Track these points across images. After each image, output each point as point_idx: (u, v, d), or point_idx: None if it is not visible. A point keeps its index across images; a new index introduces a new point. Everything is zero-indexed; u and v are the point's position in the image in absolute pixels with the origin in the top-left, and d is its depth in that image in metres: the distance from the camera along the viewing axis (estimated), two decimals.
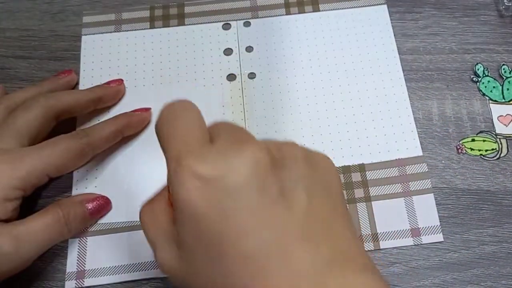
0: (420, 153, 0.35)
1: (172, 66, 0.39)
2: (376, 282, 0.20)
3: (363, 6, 0.41)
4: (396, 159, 0.35)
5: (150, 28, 0.41)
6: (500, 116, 0.37)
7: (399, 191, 0.34)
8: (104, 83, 0.37)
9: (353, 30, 0.40)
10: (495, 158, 0.36)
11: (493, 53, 0.39)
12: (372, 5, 0.41)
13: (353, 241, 0.22)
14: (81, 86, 0.38)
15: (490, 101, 0.37)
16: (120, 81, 0.37)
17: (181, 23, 0.41)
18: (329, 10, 0.41)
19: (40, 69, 0.40)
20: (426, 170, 0.35)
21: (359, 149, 0.36)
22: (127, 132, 0.35)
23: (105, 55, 0.40)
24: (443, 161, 0.35)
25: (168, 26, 0.41)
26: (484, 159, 0.36)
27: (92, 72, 0.39)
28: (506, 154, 0.36)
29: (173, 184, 0.20)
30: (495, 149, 0.36)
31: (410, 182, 0.35)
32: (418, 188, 0.34)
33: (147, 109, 0.36)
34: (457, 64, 0.39)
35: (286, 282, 0.19)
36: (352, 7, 0.41)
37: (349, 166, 0.35)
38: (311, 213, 0.20)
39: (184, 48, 0.40)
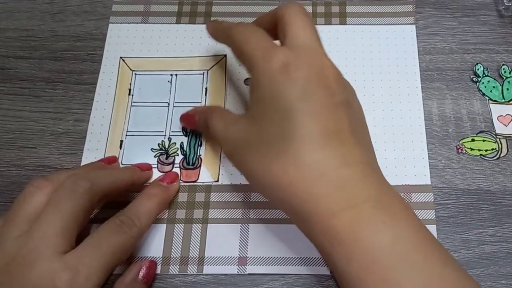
0: (428, 182, 0.35)
1: None
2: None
3: (391, 24, 0.40)
4: (402, 185, 0.35)
5: (176, 23, 0.41)
6: (500, 116, 0.37)
7: None
8: (136, 165, 0.35)
9: (377, 48, 0.39)
10: (495, 158, 0.36)
11: (493, 53, 0.39)
12: (401, 24, 0.40)
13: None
14: (101, 73, 0.39)
15: (490, 101, 0.38)
16: (150, 166, 0.36)
17: (207, 21, 0.41)
18: (356, 24, 0.40)
19: (40, 69, 0.40)
20: (432, 200, 0.34)
21: None
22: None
23: (129, 45, 0.40)
24: (443, 161, 0.36)
25: (194, 23, 0.41)
26: (484, 159, 0.36)
27: (114, 60, 0.40)
28: (506, 154, 0.36)
29: (261, 68, 0.27)
30: (495, 149, 0.36)
31: (414, 211, 0.34)
32: (421, 218, 0.33)
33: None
34: (457, 64, 0.39)
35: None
36: (379, 24, 0.40)
37: None
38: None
39: (206, 47, 0.40)
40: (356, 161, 0.26)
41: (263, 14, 0.32)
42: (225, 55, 0.39)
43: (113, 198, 0.33)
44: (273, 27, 0.30)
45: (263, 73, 0.27)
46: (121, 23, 0.41)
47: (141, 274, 0.31)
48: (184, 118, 0.36)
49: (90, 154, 0.36)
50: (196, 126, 0.36)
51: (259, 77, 0.27)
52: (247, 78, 0.39)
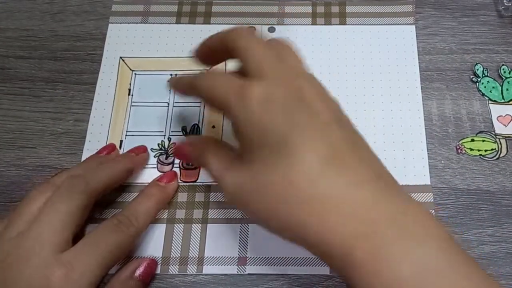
0: (428, 182, 0.35)
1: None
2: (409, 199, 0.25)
3: (391, 24, 0.40)
4: (402, 185, 0.34)
5: (176, 23, 0.41)
6: (500, 116, 0.37)
7: None
8: (131, 150, 0.36)
9: (376, 48, 0.39)
10: (494, 158, 0.36)
11: (493, 53, 0.39)
12: (400, 24, 0.40)
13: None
14: (101, 73, 0.39)
15: (490, 101, 0.38)
16: (145, 148, 0.36)
17: (206, 21, 0.41)
18: (355, 24, 0.41)
19: (40, 69, 0.40)
20: (432, 200, 0.34)
21: None
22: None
23: (128, 45, 0.40)
24: (442, 161, 0.36)
25: (194, 23, 0.41)
26: (484, 159, 0.36)
27: (114, 60, 0.40)
28: (506, 154, 0.36)
29: (238, 109, 0.25)
30: (495, 149, 0.36)
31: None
32: None
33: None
34: (456, 65, 0.39)
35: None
36: (379, 24, 0.40)
37: None
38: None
39: None
40: (363, 181, 0.24)
41: (210, 36, 0.30)
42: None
43: (113, 188, 0.33)
44: (223, 51, 0.29)
45: (242, 114, 0.25)
46: (121, 23, 0.41)
47: (137, 272, 0.31)
48: (177, 150, 0.32)
49: (90, 154, 0.36)
50: (189, 160, 0.35)
51: (239, 119, 0.25)
52: None
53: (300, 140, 0.24)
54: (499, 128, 0.36)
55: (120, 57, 0.40)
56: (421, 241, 0.23)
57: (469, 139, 0.36)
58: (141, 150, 0.36)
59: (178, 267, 0.32)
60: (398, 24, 0.40)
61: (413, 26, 0.40)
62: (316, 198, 0.23)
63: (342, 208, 0.23)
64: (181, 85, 0.32)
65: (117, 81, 0.39)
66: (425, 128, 0.36)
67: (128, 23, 0.41)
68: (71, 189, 0.30)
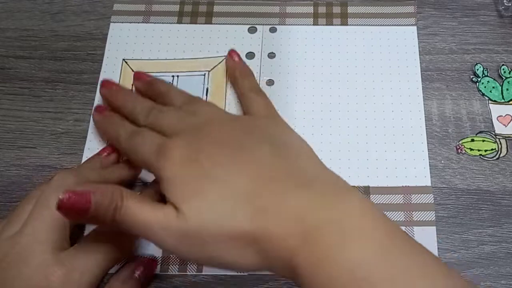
0: (429, 183, 0.35)
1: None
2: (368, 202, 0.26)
3: (392, 25, 0.40)
4: (402, 186, 0.34)
5: (178, 23, 0.41)
6: (500, 116, 0.37)
7: (401, 219, 0.33)
8: (125, 161, 0.35)
9: (378, 49, 0.39)
10: (494, 158, 0.36)
11: (493, 53, 0.39)
12: (402, 25, 0.40)
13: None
14: (103, 73, 0.39)
15: (490, 101, 0.38)
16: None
17: (208, 21, 0.41)
18: (357, 25, 0.40)
19: (40, 69, 0.40)
20: (432, 201, 0.34)
21: (367, 170, 0.35)
22: None
23: (130, 45, 0.40)
24: (442, 161, 0.36)
25: (196, 23, 0.41)
26: (484, 159, 0.36)
27: (116, 60, 0.40)
28: (506, 154, 0.36)
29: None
30: (495, 149, 0.36)
31: (413, 212, 0.34)
32: (421, 219, 0.33)
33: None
34: (456, 65, 0.39)
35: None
36: (380, 25, 0.40)
37: (354, 187, 0.34)
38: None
39: (207, 47, 0.40)
40: (296, 187, 0.25)
41: None
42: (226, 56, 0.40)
43: None
44: None
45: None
46: (122, 22, 0.41)
47: (137, 272, 0.31)
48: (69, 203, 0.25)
49: (91, 154, 0.36)
50: (89, 213, 0.25)
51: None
52: None
53: (217, 191, 0.26)
54: (499, 128, 0.36)
55: (123, 59, 0.40)
56: (356, 244, 0.23)
57: (469, 139, 0.36)
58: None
59: (178, 267, 0.32)
60: (399, 25, 0.40)
61: (415, 27, 0.40)
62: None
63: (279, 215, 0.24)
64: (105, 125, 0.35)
65: (119, 82, 0.39)
66: (425, 128, 0.36)
67: (130, 22, 0.41)
68: (62, 184, 0.29)
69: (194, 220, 0.25)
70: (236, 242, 0.24)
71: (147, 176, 0.35)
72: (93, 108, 0.36)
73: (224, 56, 0.39)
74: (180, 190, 0.26)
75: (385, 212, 0.32)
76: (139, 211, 0.25)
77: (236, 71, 0.37)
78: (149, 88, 0.36)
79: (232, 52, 0.38)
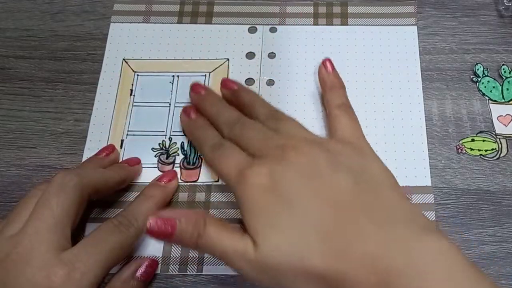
0: (429, 183, 0.35)
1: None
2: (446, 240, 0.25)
3: (392, 25, 0.40)
4: (402, 186, 0.34)
5: (178, 23, 0.41)
6: (500, 116, 0.37)
7: None
8: (124, 161, 0.35)
9: (378, 49, 0.39)
10: (494, 158, 0.36)
11: (493, 53, 0.39)
12: (402, 25, 0.40)
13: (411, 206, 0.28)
14: (103, 73, 0.39)
15: (490, 101, 0.38)
16: (138, 160, 0.36)
17: (208, 21, 0.41)
18: (357, 25, 0.40)
19: (40, 69, 0.40)
20: (432, 201, 0.34)
21: None
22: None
23: (130, 45, 0.40)
24: (443, 161, 0.36)
25: (196, 23, 0.41)
26: (484, 159, 0.36)
27: (116, 60, 0.40)
28: (506, 154, 0.36)
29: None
30: (495, 149, 0.36)
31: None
32: None
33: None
34: (457, 64, 0.39)
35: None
36: (380, 25, 0.40)
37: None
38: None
39: (207, 47, 0.40)
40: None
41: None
42: (228, 59, 0.40)
43: (105, 195, 0.33)
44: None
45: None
46: (122, 22, 0.41)
47: (139, 272, 0.31)
48: (156, 227, 0.27)
49: (91, 154, 0.36)
50: (174, 238, 0.27)
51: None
52: (248, 78, 0.39)
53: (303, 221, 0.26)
54: (499, 128, 0.36)
55: (123, 59, 0.40)
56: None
57: (470, 139, 0.36)
58: (135, 162, 0.35)
59: (178, 267, 0.32)
60: (399, 25, 0.40)
61: (415, 27, 0.40)
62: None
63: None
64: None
65: (119, 82, 0.39)
66: (426, 128, 0.36)
67: (130, 22, 0.41)
68: (64, 183, 0.29)
69: (271, 255, 0.25)
70: (314, 279, 0.25)
71: (147, 176, 0.35)
72: (181, 110, 0.36)
73: (226, 58, 0.39)
74: (258, 221, 0.26)
75: None
76: (218, 240, 0.27)
77: (327, 84, 0.35)
78: (234, 97, 0.35)
79: (326, 61, 0.36)
